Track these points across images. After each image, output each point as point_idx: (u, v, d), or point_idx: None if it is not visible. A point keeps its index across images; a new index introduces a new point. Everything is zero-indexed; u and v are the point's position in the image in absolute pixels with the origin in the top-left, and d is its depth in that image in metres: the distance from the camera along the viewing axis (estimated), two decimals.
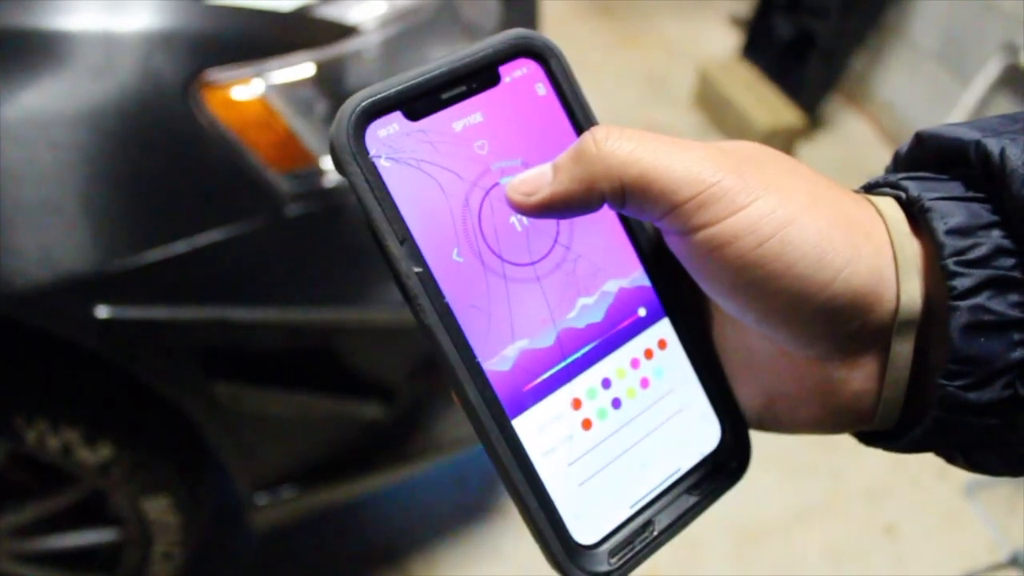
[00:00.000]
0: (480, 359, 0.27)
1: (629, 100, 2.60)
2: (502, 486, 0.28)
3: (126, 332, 0.79)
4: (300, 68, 0.78)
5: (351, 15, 0.81)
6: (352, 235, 0.85)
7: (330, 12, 0.80)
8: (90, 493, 1.00)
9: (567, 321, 0.29)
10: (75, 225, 0.72)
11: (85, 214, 0.72)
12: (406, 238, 0.26)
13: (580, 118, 0.30)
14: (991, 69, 2.08)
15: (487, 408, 0.27)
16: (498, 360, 0.28)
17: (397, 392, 1.00)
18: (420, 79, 0.27)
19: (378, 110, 0.26)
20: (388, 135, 0.27)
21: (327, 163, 0.80)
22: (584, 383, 0.29)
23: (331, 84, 0.79)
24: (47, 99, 0.70)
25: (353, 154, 0.26)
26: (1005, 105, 2.08)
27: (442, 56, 0.28)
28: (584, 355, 0.30)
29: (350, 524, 1.41)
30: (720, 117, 2.49)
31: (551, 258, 0.29)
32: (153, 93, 0.73)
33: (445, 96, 0.28)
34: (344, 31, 0.80)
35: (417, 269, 0.26)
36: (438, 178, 0.27)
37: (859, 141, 2.57)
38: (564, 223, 0.29)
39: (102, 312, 0.75)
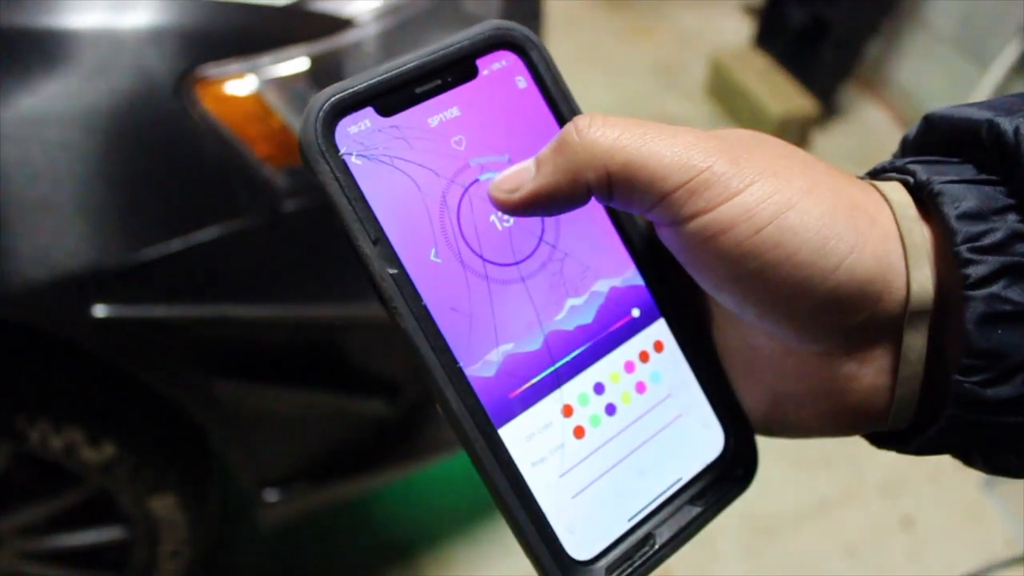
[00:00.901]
0: (462, 364, 0.26)
1: (641, 91, 2.58)
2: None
3: (124, 331, 0.78)
4: (295, 62, 0.76)
5: (347, 8, 0.79)
6: None
7: (325, 5, 0.79)
8: (96, 492, 0.99)
9: (555, 323, 0.28)
10: (70, 224, 0.71)
11: (80, 213, 0.71)
12: (379, 238, 0.25)
13: (563, 110, 0.28)
14: (1009, 53, 2.04)
15: (471, 416, 0.26)
16: (481, 365, 0.26)
17: (401, 388, 0.99)
18: (392, 73, 0.26)
19: (348, 106, 0.25)
20: (359, 131, 0.25)
21: None
22: (575, 389, 0.28)
23: (327, 78, 0.78)
24: (39, 98, 0.69)
25: (322, 152, 0.25)
26: None
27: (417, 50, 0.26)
28: (574, 359, 0.28)
29: (361, 521, 1.41)
30: (734, 107, 2.46)
31: (536, 257, 0.28)
32: (146, 90, 0.71)
33: (419, 91, 0.26)
34: (339, 24, 0.78)
35: (392, 270, 0.25)
36: (413, 175, 0.26)
37: (875, 129, 2.53)
38: (549, 220, 0.28)
39: (99, 311, 0.74)
